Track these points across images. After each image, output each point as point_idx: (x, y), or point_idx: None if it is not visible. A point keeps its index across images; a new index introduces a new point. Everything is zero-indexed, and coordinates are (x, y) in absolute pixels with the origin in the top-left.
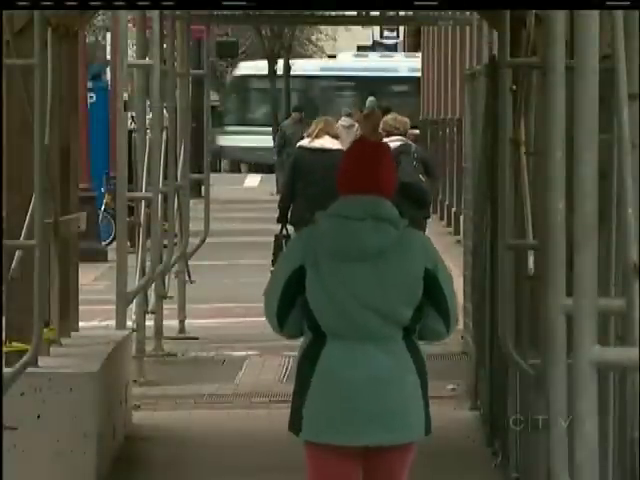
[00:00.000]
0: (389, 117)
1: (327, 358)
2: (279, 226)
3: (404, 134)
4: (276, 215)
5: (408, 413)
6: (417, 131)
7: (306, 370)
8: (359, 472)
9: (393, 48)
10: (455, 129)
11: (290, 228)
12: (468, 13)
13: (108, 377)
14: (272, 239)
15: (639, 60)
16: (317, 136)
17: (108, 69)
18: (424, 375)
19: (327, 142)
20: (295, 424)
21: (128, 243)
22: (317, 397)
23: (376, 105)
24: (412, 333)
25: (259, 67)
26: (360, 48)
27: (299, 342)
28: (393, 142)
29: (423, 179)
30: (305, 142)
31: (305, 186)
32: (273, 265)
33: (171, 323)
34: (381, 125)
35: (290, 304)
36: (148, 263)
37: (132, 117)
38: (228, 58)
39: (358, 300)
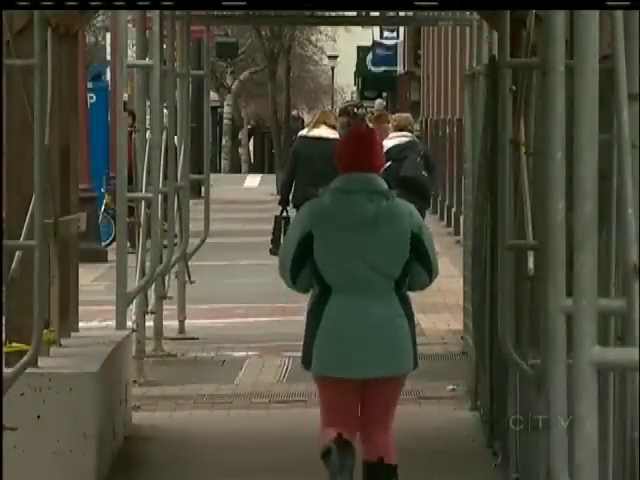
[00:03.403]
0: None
1: (332, 307)
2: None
3: (401, 129)
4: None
5: (400, 350)
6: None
7: (315, 317)
8: (358, 401)
9: (393, 48)
10: (455, 129)
11: (290, 210)
12: (468, 13)
13: (108, 377)
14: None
15: (639, 60)
16: (315, 126)
17: (108, 69)
18: (412, 319)
19: (324, 131)
20: (306, 360)
21: (128, 243)
22: (324, 338)
23: (383, 107)
24: (402, 285)
25: None
26: (360, 48)
27: (299, 341)
28: (401, 137)
29: (425, 174)
30: (304, 132)
31: (304, 171)
32: (272, 243)
33: (171, 323)
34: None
35: (301, 263)
36: (148, 263)
37: (132, 114)
38: (228, 58)
39: (357, 259)
